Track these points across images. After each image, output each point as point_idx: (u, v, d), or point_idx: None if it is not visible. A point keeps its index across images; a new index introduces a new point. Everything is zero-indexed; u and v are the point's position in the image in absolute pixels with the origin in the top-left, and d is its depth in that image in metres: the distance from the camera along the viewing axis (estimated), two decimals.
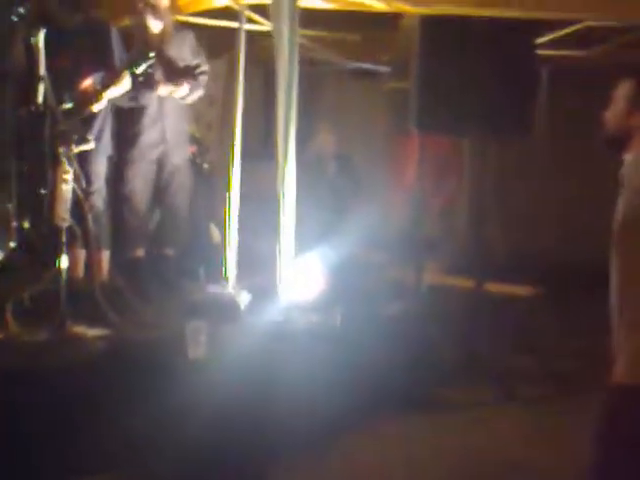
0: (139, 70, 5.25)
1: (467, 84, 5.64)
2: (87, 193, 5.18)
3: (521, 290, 6.13)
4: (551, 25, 6.28)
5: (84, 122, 5.16)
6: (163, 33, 5.69)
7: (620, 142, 2.94)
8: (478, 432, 4.90)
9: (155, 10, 5.62)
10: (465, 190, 7.10)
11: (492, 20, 5.51)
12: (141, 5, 5.60)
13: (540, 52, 6.44)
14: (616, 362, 2.91)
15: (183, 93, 5.67)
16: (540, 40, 6.35)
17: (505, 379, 5.61)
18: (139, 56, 5.29)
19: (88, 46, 5.20)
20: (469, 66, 5.68)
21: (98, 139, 5.27)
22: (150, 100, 5.68)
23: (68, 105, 5.02)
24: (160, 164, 5.82)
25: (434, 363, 5.50)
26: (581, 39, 6.61)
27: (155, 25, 5.65)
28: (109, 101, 5.27)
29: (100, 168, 5.40)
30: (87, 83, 5.14)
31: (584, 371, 5.76)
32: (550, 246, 8.03)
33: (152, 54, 5.24)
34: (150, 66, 5.28)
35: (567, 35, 6.52)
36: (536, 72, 6.16)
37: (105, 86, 5.15)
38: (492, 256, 6.52)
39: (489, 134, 5.95)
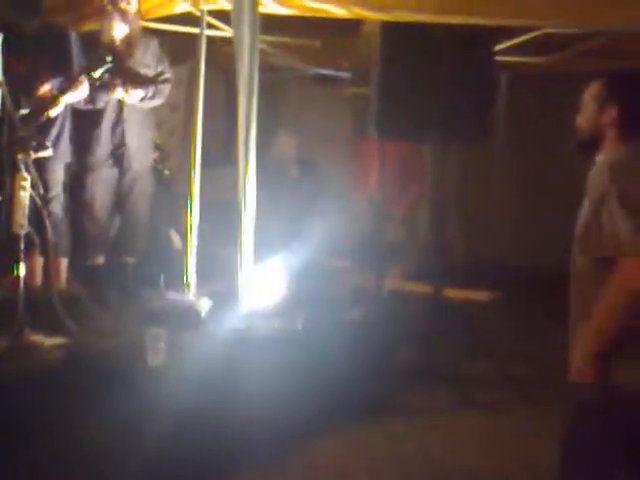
0: (96, 74, 5.25)
1: (427, 90, 5.65)
2: (45, 200, 5.16)
3: (479, 295, 6.16)
4: (510, 32, 6.30)
5: (41, 128, 5.14)
6: (129, 38, 5.67)
7: (594, 144, 2.97)
8: (435, 438, 4.89)
9: (123, 15, 5.58)
10: (426, 196, 7.10)
11: (452, 27, 5.50)
12: (109, 9, 5.55)
13: (499, 58, 6.47)
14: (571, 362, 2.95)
15: (137, 97, 5.66)
16: (499, 47, 6.39)
17: (463, 384, 5.60)
18: (97, 60, 5.28)
19: (46, 51, 5.17)
20: (429, 72, 5.69)
21: (56, 145, 5.26)
22: (108, 104, 5.66)
23: (25, 111, 5.00)
24: (120, 170, 5.79)
25: (393, 368, 5.49)
26: (540, 46, 6.64)
27: (121, 30, 5.63)
28: (67, 106, 5.23)
29: (58, 174, 5.39)
30: (45, 88, 5.13)
31: (541, 375, 5.78)
32: (508, 251, 8.07)
33: (110, 58, 5.21)
34: (108, 70, 5.24)
35: (526, 42, 6.55)
36: (495, 78, 6.20)
37: (63, 91, 5.16)
38: (452, 262, 6.55)
39: (449, 140, 5.96)
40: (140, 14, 5.83)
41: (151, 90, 5.74)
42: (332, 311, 5.44)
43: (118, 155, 5.77)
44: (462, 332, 5.94)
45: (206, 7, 5.57)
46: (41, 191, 4.97)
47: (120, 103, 5.69)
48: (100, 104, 5.62)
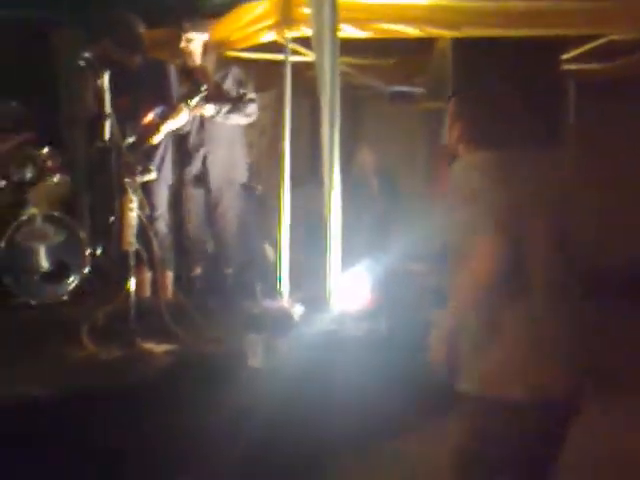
0: (193, 103, 5.36)
1: (498, 102, 5.63)
2: (152, 219, 5.30)
3: None
4: (575, 41, 6.24)
5: (146, 154, 5.28)
6: (203, 67, 5.80)
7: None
8: None
9: (191, 55, 5.76)
10: None
11: (520, 39, 5.50)
12: (182, 49, 5.73)
13: (567, 67, 6.43)
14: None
15: (209, 112, 5.68)
16: (566, 55, 6.34)
17: None
18: (193, 90, 5.40)
19: (148, 84, 5.34)
20: (500, 83, 5.68)
21: (159, 169, 5.40)
22: (192, 126, 5.77)
23: (131, 139, 5.14)
24: (206, 187, 5.91)
25: None
26: (605, 53, 6.55)
27: (197, 62, 5.78)
28: (168, 133, 5.38)
29: (162, 195, 5.54)
30: (148, 118, 5.27)
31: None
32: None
33: (204, 87, 5.34)
34: (202, 98, 5.39)
35: (591, 49, 6.45)
36: (563, 85, 6.15)
37: (164, 119, 5.28)
38: None
39: (522, 146, 5.95)
40: (222, 46, 5.97)
41: (226, 106, 5.75)
42: (414, 312, 5.42)
43: (202, 173, 5.89)
44: None
45: (290, 35, 5.59)
46: (147, 211, 5.09)
47: (203, 125, 5.79)
48: (186, 127, 5.73)
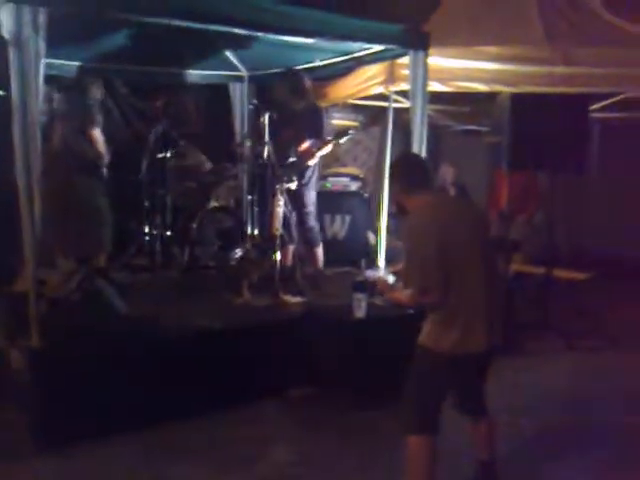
0: (342, 141, 5.42)
1: (542, 137, 5.52)
2: (303, 214, 5.40)
3: (579, 275, 5.94)
4: (601, 96, 6.05)
5: (302, 171, 5.30)
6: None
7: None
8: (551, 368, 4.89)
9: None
10: (541, 208, 6.89)
11: (560, 94, 5.38)
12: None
13: (593, 115, 6.24)
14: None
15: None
16: (593, 107, 6.15)
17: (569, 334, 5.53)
18: (344, 131, 5.46)
19: (307, 122, 5.31)
20: (544, 125, 5.56)
21: (309, 181, 5.40)
22: None
23: (293, 159, 5.22)
24: None
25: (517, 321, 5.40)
26: (623, 105, 6.31)
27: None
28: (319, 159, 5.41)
29: (310, 198, 5.48)
30: (305, 146, 5.27)
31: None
32: (600, 242, 7.77)
33: (352, 131, 5.39)
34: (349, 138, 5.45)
35: (612, 103, 6.24)
36: (590, 129, 5.96)
37: (318, 149, 5.29)
38: (559, 252, 6.36)
39: (557, 170, 5.81)
40: (344, 97, 5.99)
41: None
42: None
43: None
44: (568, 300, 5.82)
45: (393, 89, 5.64)
46: (289, 208, 5.19)
47: None
48: None
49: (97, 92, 5.31)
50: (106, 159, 5.24)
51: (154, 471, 3.35)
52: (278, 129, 5.21)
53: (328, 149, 5.38)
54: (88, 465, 3.37)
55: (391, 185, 3.11)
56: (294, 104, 5.33)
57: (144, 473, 3.34)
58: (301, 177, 5.30)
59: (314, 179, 5.47)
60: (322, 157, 5.50)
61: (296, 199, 5.36)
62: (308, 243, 5.53)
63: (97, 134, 5.14)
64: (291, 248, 5.48)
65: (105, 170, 5.27)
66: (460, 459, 3.29)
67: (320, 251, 5.58)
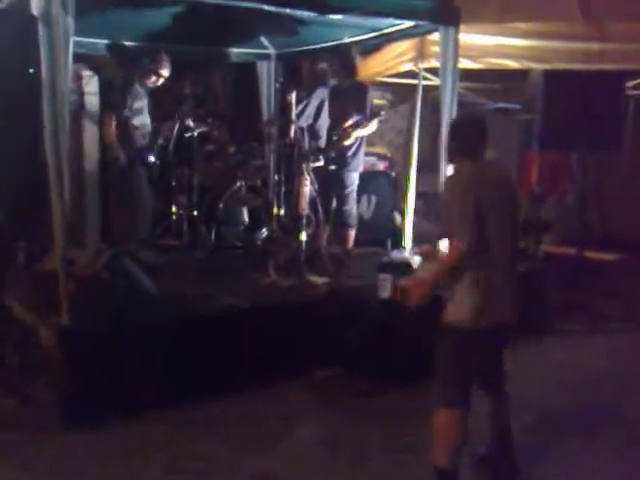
0: (376, 122, 5.27)
1: (575, 115, 5.41)
2: (342, 196, 5.34)
3: (609, 256, 5.85)
4: (636, 73, 5.87)
5: (339, 150, 5.19)
6: None
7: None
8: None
9: None
10: (573, 188, 6.76)
11: (594, 71, 5.25)
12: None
13: (629, 92, 6.08)
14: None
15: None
16: (629, 84, 5.99)
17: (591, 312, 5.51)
18: (376, 112, 5.31)
19: (352, 100, 5.21)
20: (577, 103, 5.45)
21: (350, 161, 5.29)
22: None
23: (335, 137, 5.16)
24: None
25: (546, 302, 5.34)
26: None
27: None
28: (358, 137, 5.26)
29: (350, 180, 5.37)
30: (348, 124, 5.17)
31: None
32: (633, 223, 7.61)
33: (383, 112, 5.25)
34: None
35: None
36: (624, 106, 5.83)
37: (356, 127, 5.17)
38: (591, 232, 6.25)
39: (590, 149, 5.70)
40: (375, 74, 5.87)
41: None
42: None
43: None
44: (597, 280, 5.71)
45: (422, 66, 5.59)
46: (316, 187, 5.09)
47: None
48: None
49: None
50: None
51: (179, 448, 3.40)
52: (330, 106, 5.14)
53: (366, 130, 5.26)
54: (115, 442, 3.42)
55: (449, 142, 3.11)
56: (341, 80, 5.21)
57: (169, 449, 3.38)
58: (341, 157, 5.19)
59: (356, 160, 5.33)
60: (363, 138, 5.35)
61: (336, 180, 5.27)
62: (343, 225, 5.43)
63: (109, 120, 5.03)
64: (318, 228, 5.41)
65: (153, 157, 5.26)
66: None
67: (352, 233, 5.51)
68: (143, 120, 5.15)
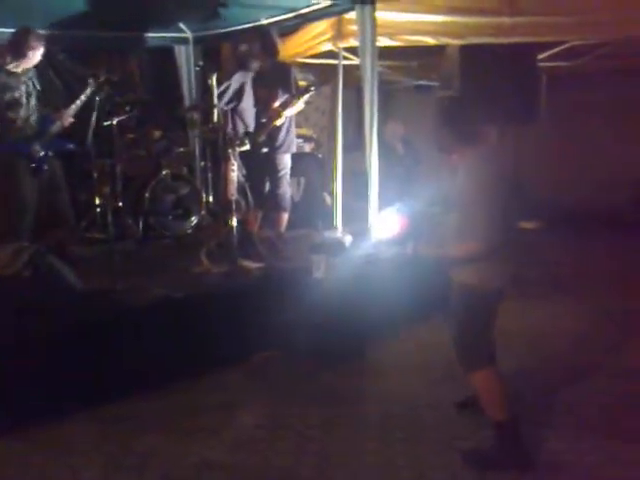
0: (305, 98, 5.09)
1: (493, 90, 5.51)
2: (274, 179, 5.18)
3: (528, 224, 6.04)
4: (547, 45, 6.07)
5: (273, 131, 5.05)
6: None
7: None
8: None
9: None
10: None
11: (507, 45, 5.36)
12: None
13: (541, 64, 6.25)
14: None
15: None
16: (541, 56, 6.17)
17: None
18: (304, 89, 5.14)
19: (277, 80, 5.09)
20: (494, 78, 5.56)
21: (281, 144, 5.15)
22: None
23: (263, 120, 5.04)
24: None
25: None
26: (569, 53, 6.36)
27: None
28: (288, 117, 5.15)
29: (283, 162, 5.24)
30: (276, 104, 5.06)
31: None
32: (552, 193, 7.92)
33: (313, 88, 5.11)
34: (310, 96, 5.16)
35: (559, 51, 6.28)
36: (539, 78, 5.99)
37: (285, 108, 5.04)
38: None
39: (508, 123, 5.82)
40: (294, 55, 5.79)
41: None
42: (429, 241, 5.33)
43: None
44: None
45: (341, 45, 5.58)
46: (243, 172, 5.02)
47: None
48: None
49: None
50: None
51: (117, 444, 3.30)
52: (256, 89, 5.02)
53: (295, 108, 5.14)
54: (51, 444, 3.29)
55: (442, 132, 3.02)
56: (264, 62, 5.10)
57: (108, 447, 3.28)
58: (272, 140, 5.09)
59: (287, 142, 5.23)
60: (292, 118, 5.25)
61: (268, 163, 5.17)
62: (277, 208, 5.31)
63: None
64: (249, 213, 5.33)
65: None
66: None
67: (285, 216, 5.42)
68: (24, 111, 4.70)
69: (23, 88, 4.68)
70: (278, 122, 5.03)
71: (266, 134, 5.02)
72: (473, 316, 3.01)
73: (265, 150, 5.09)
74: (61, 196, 4.90)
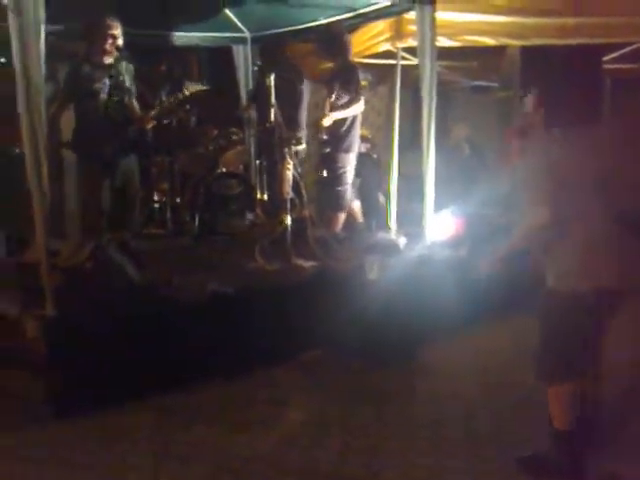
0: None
1: (554, 91, 5.40)
2: (333, 177, 5.18)
3: None
4: (613, 47, 5.91)
5: (334, 129, 5.05)
6: None
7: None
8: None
9: None
10: None
11: (571, 46, 5.26)
12: None
13: (607, 66, 6.11)
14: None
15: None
16: (606, 58, 6.02)
17: None
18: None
19: (344, 79, 5.07)
20: (554, 78, 5.44)
21: (341, 143, 5.15)
22: None
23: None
24: None
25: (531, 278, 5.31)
26: (636, 55, 6.18)
27: None
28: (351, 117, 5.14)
29: (342, 161, 5.23)
30: (329, 104, 5.05)
31: None
32: None
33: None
34: None
35: (626, 53, 6.11)
36: (602, 80, 5.84)
37: (344, 107, 5.06)
38: None
39: (570, 125, 5.70)
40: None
41: None
42: (489, 244, 5.27)
43: None
44: None
45: (400, 45, 5.54)
46: (299, 170, 5.09)
47: None
48: None
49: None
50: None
51: (167, 434, 3.38)
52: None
53: (358, 108, 5.15)
54: (102, 430, 3.39)
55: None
56: (334, 62, 5.15)
57: (157, 436, 3.36)
58: (334, 139, 5.10)
59: (348, 141, 5.21)
60: (355, 118, 5.21)
61: (328, 161, 5.19)
62: (333, 207, 5.31)
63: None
64: (303, 212, 5.30)
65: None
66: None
67: (342, 216, 5.41)
68: (100, 104, 4.65)
69: (107, 81, 4.59)
70: (325, 122, 5.02)
71: (327, 133, 5.02)
72: (556, 325, 2.79)
73: (328, 150, 5.11)
74: (131, 193, 4.94)
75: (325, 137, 5.04)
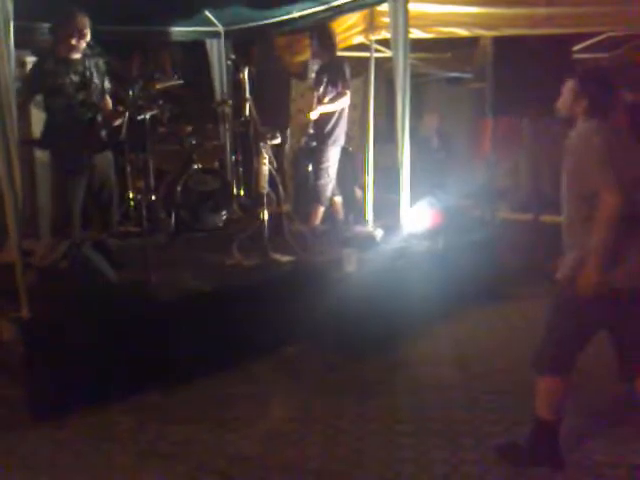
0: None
1: (525, 82, 5.47)
2: (316, 170, 5.21)
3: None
4: (583, 36, 5.97)
5: (320, 123, 5.09)
6: None
7: (568, 122, 2.80)
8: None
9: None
10: (525, 155, 6.84)
11: (541, 36, 5.31)
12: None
13: (577, 56, 6.17)
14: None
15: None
16: (575, 47, 6.08)
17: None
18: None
19: (331, 73, 5.13)
20: (526, 70, 5.50)
21: (328, 137, 5.21)
22: None
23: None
24: None
25: (504, 268, 5.39)
26: (605, 45, 6.25)
27: None
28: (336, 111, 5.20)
29: (327, 155, 5.28)
30: (316, 99, 5.11)
31: None
32: None
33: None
34: None
35: (596, 42, 6.16)
36: (573, 70, 5.90)
37: (329, 101, 5.09)
38: (545, 198, 6.35)
39: (540, 116, 5.77)
40: None
41: None
42: (462, 235, 5.31)
43: None
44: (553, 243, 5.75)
45: (373, 38, 5.55)
46: (275, 165, 5.03)
47: None
48: None
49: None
50: None
51: (152, 433, 3.36)
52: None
53: (344, 102, 5.18)
54: (86, 431, 3.36)
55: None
56: (322, 58, 5.17)
57: (142, 435, 3.34)
58: (320, 133, 5.12)
59: (335, 135, 5.25)
60: (342, 112, 5.26)
61: (314, 155, 5.19)
62: (313, 200, 5.33)
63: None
64: (280, 207, 5.34)
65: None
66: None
67: (321, 209, 5.43)
68: (65, 100, 4.55)
69: (73, 77, 4.52)
70: (312, 115, 5.04)
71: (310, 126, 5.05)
72: (562, 319, 2.82)
73: (314, 144, 5.13)
74: (107, 192, 4.89)
75: (312, 131, 5.03)
